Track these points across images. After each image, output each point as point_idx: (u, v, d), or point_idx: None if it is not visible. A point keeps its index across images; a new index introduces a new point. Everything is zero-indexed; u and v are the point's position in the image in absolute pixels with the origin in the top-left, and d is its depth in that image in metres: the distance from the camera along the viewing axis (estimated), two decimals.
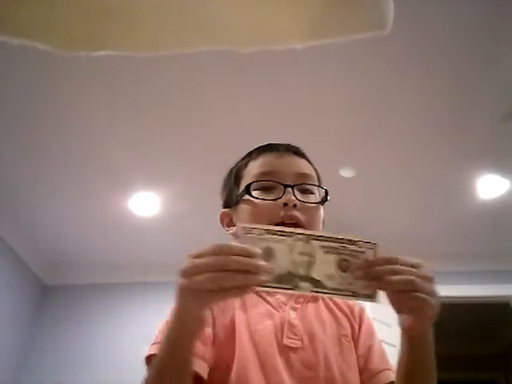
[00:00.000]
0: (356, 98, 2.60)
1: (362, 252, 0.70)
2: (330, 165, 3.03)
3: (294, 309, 0.92)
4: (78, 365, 3.49)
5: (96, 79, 2.48)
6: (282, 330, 0.87)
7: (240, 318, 0.88)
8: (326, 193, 0.98)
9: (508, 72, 2.38)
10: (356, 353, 0.92)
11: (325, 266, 0.68)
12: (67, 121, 2.73)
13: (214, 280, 0.59)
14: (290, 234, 0.68)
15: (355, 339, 0.95)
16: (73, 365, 3.49)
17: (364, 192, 3.24)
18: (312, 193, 0.97)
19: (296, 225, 0.88)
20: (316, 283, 0.67)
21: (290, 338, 0.86)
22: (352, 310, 1.00)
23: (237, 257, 0.60)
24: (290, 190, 0.92)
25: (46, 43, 0.40)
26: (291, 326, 0.88)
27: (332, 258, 0.68)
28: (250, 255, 0.61)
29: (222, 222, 1.02)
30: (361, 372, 0.90)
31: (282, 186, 0.93)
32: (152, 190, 3.25)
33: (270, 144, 1.05)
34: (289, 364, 0.83)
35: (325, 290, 0.67)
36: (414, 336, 0.75)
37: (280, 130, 2.79)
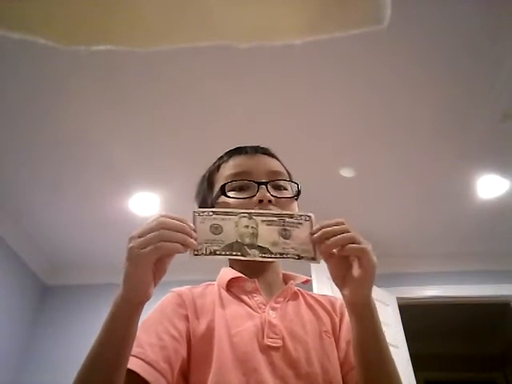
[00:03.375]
0: (356, 98, 2.60)
1: (300, 223, 0.79)
2: (330, 165, 3.03)
3: (274, 308, 0.93)
4: (78, 365, 3.48)
5: (96, 79, 2.48)
6: (263, 330, 0.88)
7: (219, 322, 0.89)
8: (299, 187, 1.01)
9: (508, 72, 2.38)
10: (337, 347, 0.93)
11: (268, 235, 0.77)
12: (67, 120, 2.73)
13: (155, 236, 0.68)
14: (235, 213, 0.78)
15: (336, 334, 0.96)
16: (73, 365, 3.48)
17: (364, 192, 3.24)
18: (285, 189, 1.00)
19: None
20: (262, 250, 0.76)
21: (271, 338, 0.87)
22: (333, 306, 1.01)
23: (174, 220, 0.71)
24: (263, 187, 0.95)
25: (46, 37, 0.40)
26: (271, 325, 0.89)
27: (274, 228, 0.78)
28: (183, 221, 0.72)
29: None
30: (341, 366, 0.90)
31: (255, 184, 0.96)
32: (152, 190, 3.25)
33: (239, 147, 1.07)
34: (271, 363, 0.84)
35: (271, 255, 0.77)
36: (358, 303, 0.78)
37: (280, 130, 2.80)
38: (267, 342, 0.86)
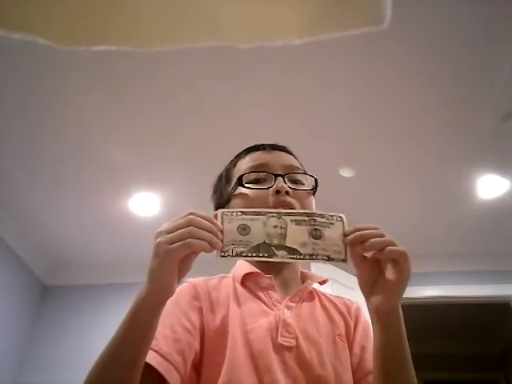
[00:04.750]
0: (356, 98, 2.60)
1: (331, 223, 0.77)
2: (330, 165, 3.03)
3: (289, 307, 0.91)
4: (78, 365, 3.48)
5: (96, 79, 2.48)
6: (277, 328, 0.86)
7: (233, 317, 0.88)
8: (316, 181, 1.01)
9: (509, 72, 2.38)
10: (350, 352, 0.92)
11: (298, 236, 0.75)
12: (67, 120, 2.73)
13: (185, 233, 0.68)
14: (264, 213, 0.76)
15: (350, 338, 0.94)
16: (73, 365, 3.49)
17: (364, 192, 3.24)
18: (302, 183, 1.00)
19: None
20: (291, 251, 0.74)
21: (285, 337, 0.86)
22: (349, 309, 0.99)
23: (202, 220, 0.71)
24: (280, 178, 0.95)
25: (46, 37, 0.40)
26: (286, 324, 0.87)
27: (304, 228, 0.75)
28: (212, 221, 0.72)
29: None
30: (354, 372, 0.89)
31: (272, 176, 0.95)
32: (152, 190, 3.25)
33: (256, 144, 1.08)
34: (284, 363, 0.83)
35: (300, 256, 0.74)
36: (387, 310, 0.76)
37: (280, 130, 2.79)
38: (281, 340, 0.85)
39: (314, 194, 1.01)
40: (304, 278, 1.02)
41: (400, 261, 0.73)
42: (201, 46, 0.45)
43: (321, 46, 2.26)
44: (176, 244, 0.68)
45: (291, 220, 0.76)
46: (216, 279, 0.98)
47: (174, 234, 0.69)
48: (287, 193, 0.92)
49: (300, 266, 1.03)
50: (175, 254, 0.68)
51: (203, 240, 0.69)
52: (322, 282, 1.03)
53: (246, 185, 0.96)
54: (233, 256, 0.72)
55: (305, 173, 1.02)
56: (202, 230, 0.70)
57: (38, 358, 3.58)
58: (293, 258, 0.74)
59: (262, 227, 0.74)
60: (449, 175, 3.09)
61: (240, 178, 0.97)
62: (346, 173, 3.07)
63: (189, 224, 0.70)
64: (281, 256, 0.73)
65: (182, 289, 0.93)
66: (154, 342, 0.77)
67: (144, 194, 3.27)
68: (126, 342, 0.71)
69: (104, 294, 3.82)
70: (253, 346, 0.84)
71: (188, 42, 0.44)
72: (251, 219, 0.75)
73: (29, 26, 0.41)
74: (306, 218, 0.76)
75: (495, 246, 3.59)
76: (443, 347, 4.93)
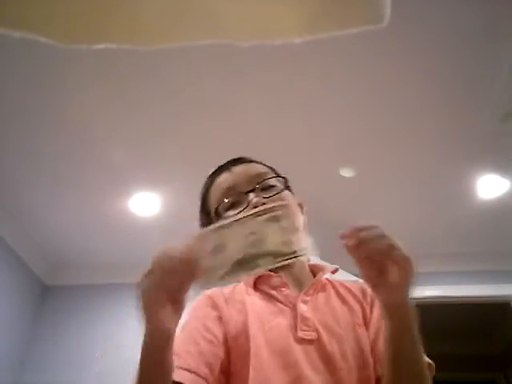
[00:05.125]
0: (356, 97, 2.60)
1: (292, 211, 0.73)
2: (330, 165, 3.03)
3: (305, 302, 0.92)
4: (78, 365, 3.48)
5: (96, 79, 2.48)
6: (296, 323, 0.87)
7: (252, 319, 0.88)
8: (285, 179, 1.01)
9: (508, 72, 2.38)
10: (368, 336, 0.91)
11: (275, 236, 0.69)
12: (67, 120, 2.73)
13: (162, 276, 0.67)
14: (230, 224, 0.70)
15: (367, 322, 0.94)
16: (73, 365, 3.49)
17: (364, 192, 3.24)
18: (275, 185, 1.00)
19: None
20: (274, 254, 0.69)
21: (305, 331, 0.86)
22: (364, 294, 0.98)
23: (177, 256, 0.67)
24: (251, 194, 0.95)
25: (46, 36, 0.40)
26: (304, 318, 0.88)
27: (275, 225, 0.70)
28: (184, 253, 0.68)
29: None
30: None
31: (244, 195, 0.96)
32: (152, 190, 3.25)
33: (218, 167, 1.08)
34: (308, 356, 0.84)
35: (287, 257, 0.69)
36: (392, 305, 0.75)
37: (281, 130, 2.80)
38: (301, 334, 0.86)
39: (289, 191, 1.01)
40: (315, 269, 1.03)
41: (402, 265, 0.72)
42: (203, 45, 0.45)
43: (321, 46, 2.26)
44: (151, 290, 0.68)
45: (259, 222, 0.70)
46: (230, 288, 1.00)
47: (146, 280, 0.69)
48: (264, 204, 0.92)
49: (305, 258, 1.03)
50: (155, 300, 0.68)
51: (179, 280, 0.68)
52: (334, 271, 1.03)
53: (225, 214, 0.97)
54: (216, 281, 0.69)
55: (272, 176, 1.01)
56: (174, 270, 0.67)
57: (37, 358, 3.58)
58: (280, 261, 0.69)
59: (236, 240, 0.69)
60: (449, 175, 3.08)
61: (216, 211, 0.98)
62: (346, 173, 3.07)
63: (158, 270, 0.68)
64: (266, 264, 0.69)
65: (199, 302, 0.95)
66: (180, 360, 0.79)
67: (144, 193, 3.26)
68: (144, 380, 0.73)
69: (104, 294, 3.82)
70: (274, 343, 0.85)
71: (188, 40, 0.44)
72: (223, 234, 0.69)
73: (29, 24, 0.41)
74: (275, 214, 0.71)
75: (495, 245, 3.59)
76: (443, 347, 4.92)
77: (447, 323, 4.58)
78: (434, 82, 2.49)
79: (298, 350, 0.84)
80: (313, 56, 2.35)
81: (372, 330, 0.92)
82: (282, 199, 0.95)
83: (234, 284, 1.00)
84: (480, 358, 5.10)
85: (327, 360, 0.84)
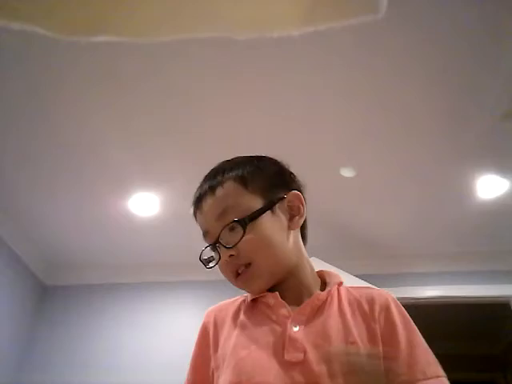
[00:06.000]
0: (357, 97, 2.60)
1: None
2: (330, 165, 3.03)
3: (297, 321, 0.89)
4: (78, 365, 3.48)
5: (95, 78, 2.48)
6: (283, 345, 0.85)
7: (236, 344, 0.89)
8: (244, 223, 0.92)
9: (508, 71, 2.38)
10: (382, 353, 0.87)
11: None
12: (67, 120, 2.73)
13: None
14: None
15: (377, 340, 0.89)
16: (73, 365, 3.49)
17: (364, 192, 3.24)
18: (237, 226, 0.93)
19: (242, 273, 0.94)
20: None
21: (291, 353, 0.84)
22: (371, 307, 0.93)
23: None
24: (216, 251, 0.96)
25: (45, 28, 0.40)
26: (292, 340, 0.86)
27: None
28: None
29: None
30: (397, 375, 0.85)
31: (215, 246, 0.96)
32: (152, 190, 3.25)
33: (193, 199, 1.03)
34: (292, 381, 0.81)
35: None
36: None
37: (281, 130, 2.80)
38: (287, 357, 0.83)
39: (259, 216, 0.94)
40: (323, 278, 1.00)
41: None
42: (201, 42, 0.45)
43: (322, 45, 2.26)
44: None
45: None
46: (230, 302, 1.02)
47: None
48: (231, 255, 0.93)
49: (308, 269, 1.00)
50: None
51: None
52: (339, 285, 0.98)
53: (207, 266, 0.97)
54: None
55: (232, 222, 0.93)
56: None
57: (37, 358, 3.58)
58: None
59: None
60: (449, 175, 3.08)
61: (202, 261, 0.98)
62: (347, 172, 3.07)
63: None
64: None
65: (199, 328, 1.00)
66: None
67: (144, 193, 3.27)
68: None
69: (104, 294, 3.82)
70: (243, 371, 0.84)
71: (187, 33, 0.44)
72: None
73: (28, 15, 0.41)
74: None
75: (495, 245, 3.59)
76: (443, 347, 4.90)
77: (447, 323, 4.58)
78: (434, 82, 2.50)
79: (283, 374, 0.82)
80: (313, 55, 2.35)
81: (385, 348, 0.88)
82: (245, 246, 0.92)
83: (237, 298, 1.01)
84: (480, 358, 5.10)
85: (314, 381, 0.81)
